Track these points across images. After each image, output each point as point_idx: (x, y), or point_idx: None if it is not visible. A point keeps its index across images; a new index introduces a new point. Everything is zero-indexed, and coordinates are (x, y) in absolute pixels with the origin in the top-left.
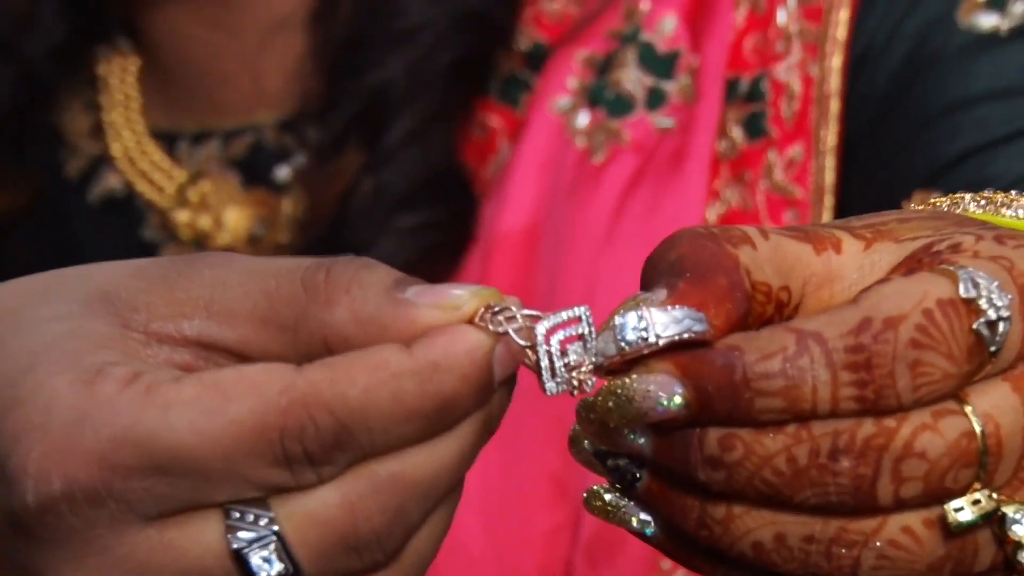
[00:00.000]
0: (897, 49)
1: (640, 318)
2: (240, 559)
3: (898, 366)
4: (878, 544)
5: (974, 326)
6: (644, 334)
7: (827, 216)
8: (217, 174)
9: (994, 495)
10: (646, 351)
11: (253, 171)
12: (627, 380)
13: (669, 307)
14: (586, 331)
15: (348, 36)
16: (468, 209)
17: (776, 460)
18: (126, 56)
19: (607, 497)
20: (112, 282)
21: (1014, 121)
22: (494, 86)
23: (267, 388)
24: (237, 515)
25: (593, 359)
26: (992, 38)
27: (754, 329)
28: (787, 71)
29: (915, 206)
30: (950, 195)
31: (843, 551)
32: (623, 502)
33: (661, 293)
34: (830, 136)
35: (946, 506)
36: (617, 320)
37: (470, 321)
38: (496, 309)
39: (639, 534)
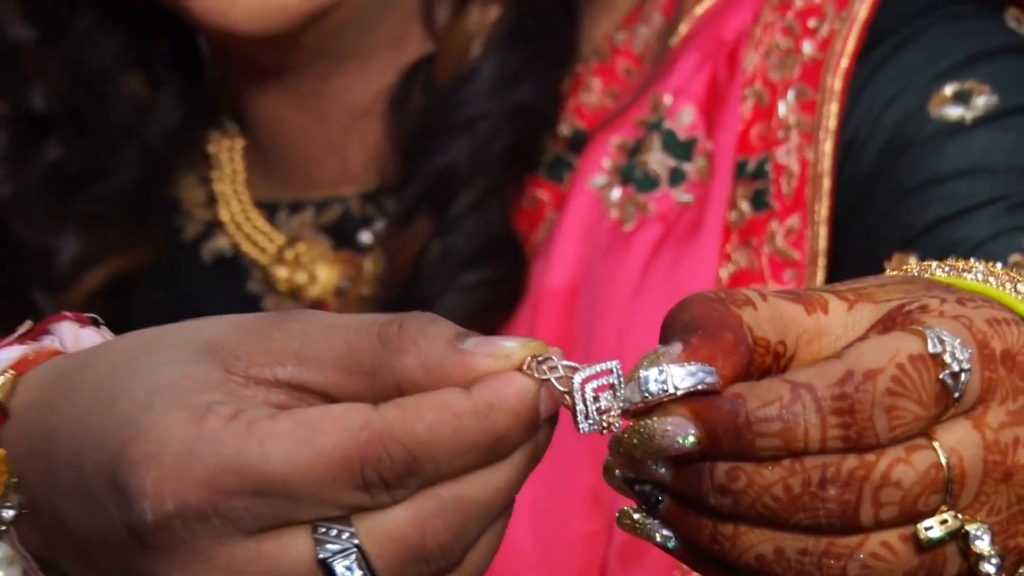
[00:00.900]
0: (878, 136)
1: (661, 372)
2: (326, 568)
3: (876, 411)
4: (861, 556)
5: (940, 376)
6: (664, 385)
7: (820, 275)
8: (310, 237)
9: (959, 516)
10: (666, 399)
11: (340, 235)
12: (649, 422)
13: (685, 362)
14: (616, 381)
15: (418, 124)
16: (520, 269)
17: (774, 489)
18: (233, 137)
19: (635, 516)
20: (217, 334)
21: (976, 195)
22: (542, 165)
23: (349, 424)
24: (323, 530)
25: (621, 405)
26: (958, 126)
27: (755, 378)
28: (787, 154)
29: (893, 267)
30: (919, 262)
31: (832, 562)
32: (648, 520)
33: (677, 348)
34: (823, 209)
35: (919, 525)
36: (642, 373)
37: (519, 369)
38: (541, 359)
39: (662, 547)
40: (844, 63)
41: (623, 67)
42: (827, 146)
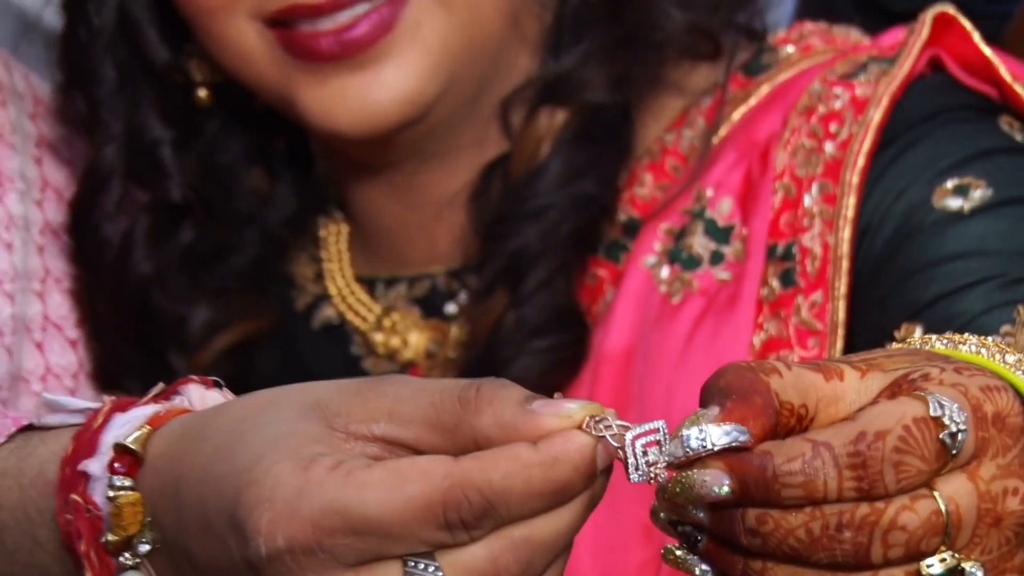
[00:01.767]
0: (889, 224)
1: (701, 431)
2: None
3: (885, 466)
4: None
5: (940, 436)
6: (703, 442)
7: (839, 343)
8: (404, 308)
9: (956, 555)
10: (704, 455)
11: (429, 306)
12: (690, 473)
13: (721, 422)
14: (661, 438)
15: (496, 212)
16: (583, 336)
17: (797, 532)
18: (339, 223)
19: (678, 553)
20: (322, 395)
21: (973, 274)
22: (601, 247)
23: (433, 474)
24: (412, 564)
25: (666, 459)
26: (958, 215)
27: (781, 437)
28: (811, 239)
29: (901, 336)
30: (922, 335)
31: None
32: (689, 556)
33: (714, 410)
34: (842, 286)
35: (922, 563)
36: (684, 431)
37: (579, 427)
38: (598, 419)
39: None
40: (860, 161)
41: (671, 164)
42: (846, 232)
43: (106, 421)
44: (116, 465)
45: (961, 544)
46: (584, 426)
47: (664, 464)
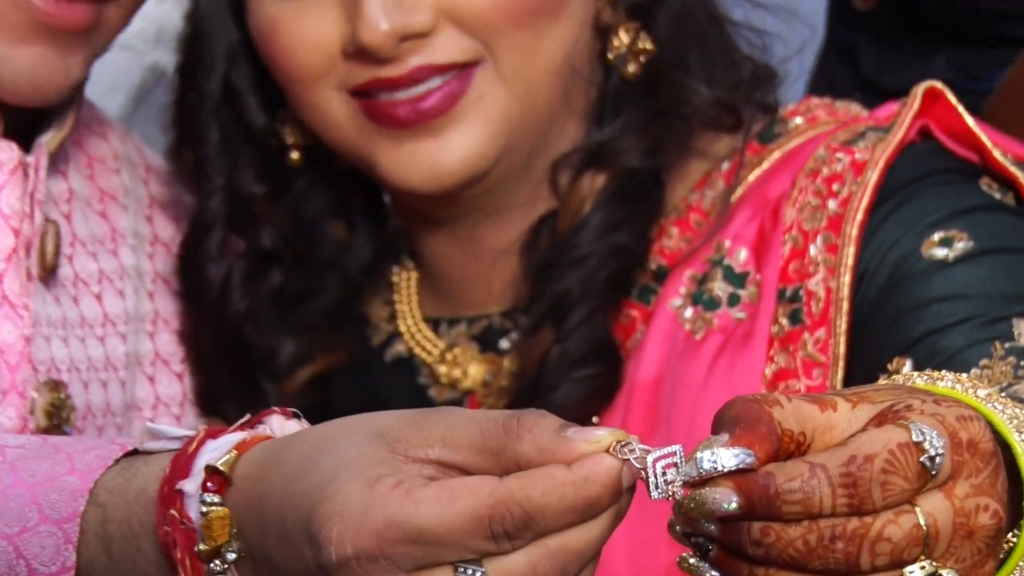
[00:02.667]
0: (884, 271)
1: (713, 454)
2: None
3: (873, 485)
4: None
5: (921, 459)
6: (715, 464)
7: (840, 373)
8: (464, 344)
9: (934, 563)
10: (715, 475)
11: (486, 342)
12: (703, 491)
13: (731, 447)
14: (678, 461)
15: (544, 261)
16: (617, 367)
17: (796, 542)
18: (409, 270)
19: (691, 561)
20: (384, 424)
21: (956, 314)
22: (634, 291)
23: (481, 491)
24: (462, 570)
25: (682, 478)
26: (943, 264)
27: (782, 459)
28: (816, 284)
29: (892, 368)
30: (906, 372)
31: None
32: (701, 564)
33: (725, 437)
34: (842, 324)
35: (904, 570)
36: (698, 455)
37: (607, 451)
38: (623, 443)
39: None
40: (859, 216)
41: (695, 219)
42: (846, 278)
43: (199, 447)
44: (208, 485)
45: (939, 554)
46: (611, 450)
47: (680, 483)
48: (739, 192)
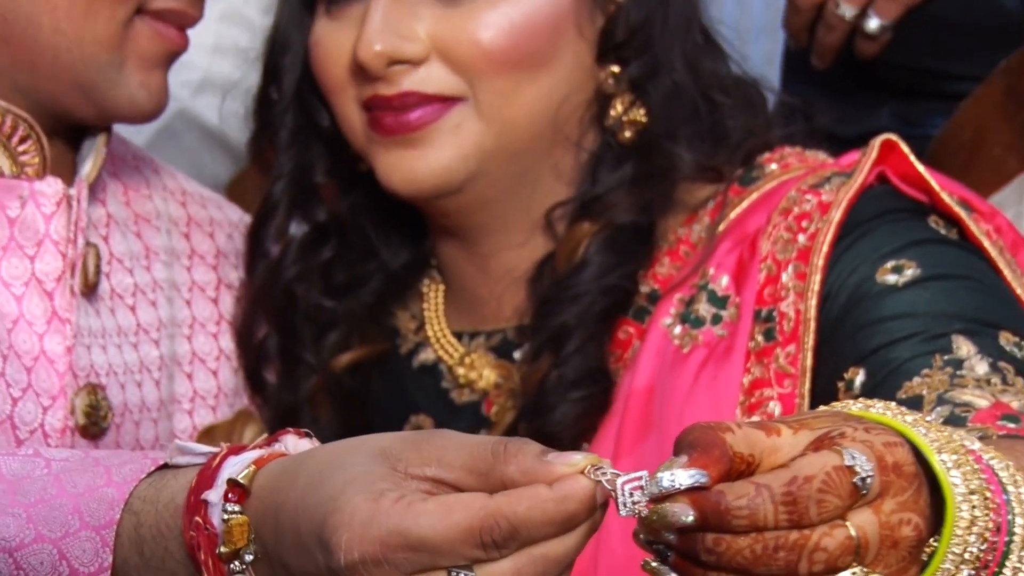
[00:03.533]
0: (843, 294)
1: (671, 474)
2: None
3: (811, 502)
4: None
5: (852, 480)
6: (673, 483)
7: (807, 384)
8: (481, 352)
9: (864, 569)
10: (674, 492)
11: (501, 352)
12: (664, 505)
13: (688, 468)
14: (644, 483)
15: (545, 295)
16: (608, 388)
17: (744, 551)
18: (437, 283)
19: (653, 564)
20: (387, 445)
21: (904, 331)
22: (631, 312)
23: (473, 505)
24: (455, 574)
25: (646, 497)
26: (894, 288)
27: (734, 478)
28: (787, 306)
29: (849, 376)
30: (842, 401)
31: None
32: (663, 567)
33: (683, 458)
34: (809, 340)
35: (839, 575)
36: (659, 475)
37: (582, 472)
38: (596, 467)
39: None
40: (824, 249)
41: (683, 250)
42: (813, 302)
43: (222, 462)
44: (229, 495)
45: (868, 561)
46: (586, 472)
47: (644, 501)
48: (722, 227)
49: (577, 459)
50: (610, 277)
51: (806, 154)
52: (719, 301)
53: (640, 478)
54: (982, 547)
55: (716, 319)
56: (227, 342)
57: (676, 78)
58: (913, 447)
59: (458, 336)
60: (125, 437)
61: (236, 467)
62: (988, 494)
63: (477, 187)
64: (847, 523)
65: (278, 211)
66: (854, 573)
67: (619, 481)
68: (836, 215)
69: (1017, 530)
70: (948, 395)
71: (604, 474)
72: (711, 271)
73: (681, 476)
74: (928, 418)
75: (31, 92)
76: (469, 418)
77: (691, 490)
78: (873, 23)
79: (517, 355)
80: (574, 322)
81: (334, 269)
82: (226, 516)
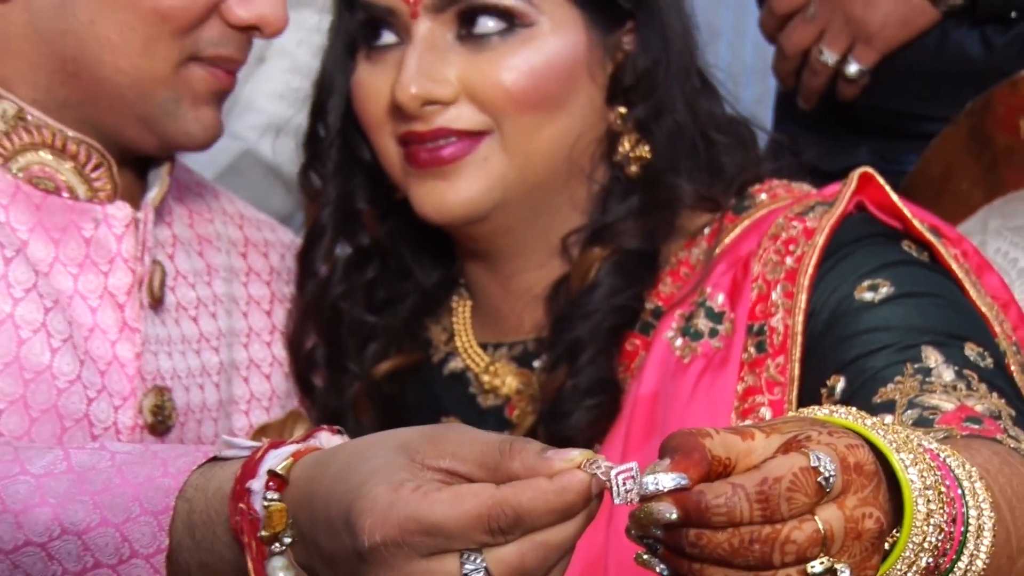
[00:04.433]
0: (826, 310)
1: (655, 478)
2: None
3: (781, 500)
4: None
5: (818, 480)
6: (658, 485)
7: (795, 391)
8: (504, 362)
9: (831, 559)
10: (659, 492)
11: (521, 361)
12: (650, 505)
13: (671, 471)
14: (635, 474)
15: (561, 313)
16: (617, 397)
17: (723, 544)
18: (465, 299)
19: (645, 557)
20: (407, 438)
21: (879, 343)
22: (638, 326)
23: (482, 495)
24: (465, 556)
25: (637, 491)
26: (870, 304)
27: (712, 480)
28: (776, 321)
29: (830, 384)
30: (811, 408)
31: None
32: (653, 560)
33: (666, 462)
34: (796, 352)
35: (807, 565)
36: (645, 479)
37: (579, 467)
38: (592, 461)
39: (660, 573)
40: (810, 271)
41: (684, 271)
42: (799, 317)
43: (264, 455)
44: (270, 484)
45: (834, 552)
46: (582, 466)
47: (636, 493)
48: (718, 251)
49: (574, 455)
50: (619, 297)
51: (792, 186)
52: (716, 316)
53: (631, 468)
54: (939, 536)
55: (713, 333)
56: (280, 350)
57: (677, 118)
58: (873, 448)
59: (483, 347)
60: (188, 435)
61: (276, 459)
62: (943, 488)
63: (501, 215)
64: (815, 518)
65: (325, 235)
66: (822, 563)
67: (613, 472)
68: (820, 240)
69: (972, 521)
70: (918, 399)
71: (599, 467)
72: (708, 290)
73: (664, 479)
74: (900, 420)
75: (100, 124)
76: (494, 421)
77: (675, 491)
78: (853, 68)
79: (536, 364)
80: (587, 336)
81: (376, 288)
82: (267, 503)
